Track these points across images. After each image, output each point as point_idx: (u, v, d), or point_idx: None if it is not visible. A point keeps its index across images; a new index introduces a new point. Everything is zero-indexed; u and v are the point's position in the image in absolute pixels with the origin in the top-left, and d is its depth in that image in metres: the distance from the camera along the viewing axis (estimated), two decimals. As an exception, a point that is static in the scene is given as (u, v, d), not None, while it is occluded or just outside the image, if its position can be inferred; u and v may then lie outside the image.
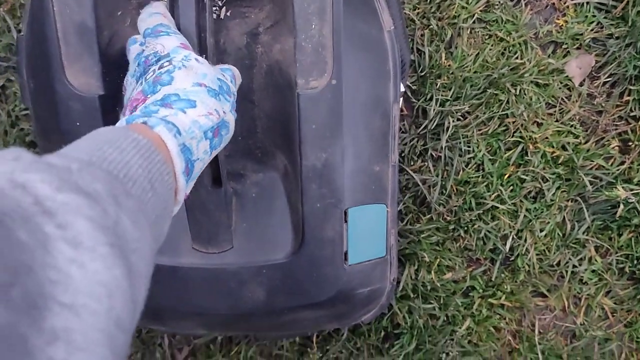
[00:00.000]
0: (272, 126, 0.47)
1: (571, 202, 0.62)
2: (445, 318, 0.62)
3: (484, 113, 0.60)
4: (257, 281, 0.46)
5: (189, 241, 0.47)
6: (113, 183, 0.25)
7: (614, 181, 0.61)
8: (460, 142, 0.60)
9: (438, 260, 0.61)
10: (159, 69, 0.37)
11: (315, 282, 0.47)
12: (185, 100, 0.35)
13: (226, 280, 0.46)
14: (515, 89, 0.59)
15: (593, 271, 0.63)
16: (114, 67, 0.45)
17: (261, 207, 0.47)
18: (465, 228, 0.61)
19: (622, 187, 0.61)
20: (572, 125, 0.61)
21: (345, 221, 0.46)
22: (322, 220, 0.45)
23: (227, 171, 0.45)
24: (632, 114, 0.61)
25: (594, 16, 0.60)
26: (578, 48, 0.61)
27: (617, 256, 0.62)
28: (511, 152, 0.60)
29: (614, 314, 0.63)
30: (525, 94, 0.60)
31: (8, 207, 0.20)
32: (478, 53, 0.60)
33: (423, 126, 0.60)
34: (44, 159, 0.24)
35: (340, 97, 0.42)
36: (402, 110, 0.60)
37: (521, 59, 0.60)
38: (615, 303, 0.63)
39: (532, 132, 0.60)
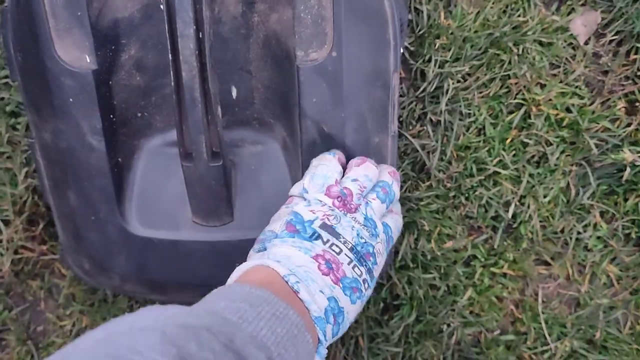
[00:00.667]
0: (270, 97, 0.60)
1: (576, 166, 0.77)
2: (445, 288, 0.77)
3: (485, 74, 0.74)
4: (259, 252, 0.60)
5: (189, 215, 0.60)
6: None
7: (620, 144, 0.76)
8: (460, 106, 0.74)
9: (438, 228, 0.76)
10: (363, 282, 0.51)
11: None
12: (338, 329, 0.49)
13: (227, 253, 0.60)
14: (518, 49, 0.73)
15: (598, 237, 0.78)
16: (105, 40, 0.58)
17: (261, 179, 0.61)
18: (466, 195, 0.75)
19: (629, 150, 0.75)
20: (576, 87, 0.75)
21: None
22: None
23: (225, 143, 0.58)
24: (639, 73, 0.75)
25: (601, -31, 0.73)
26: (583, 4, 0.74)
27: (623, 222, 0.78)
28: (513, 115, 0.75)
29: (620, 281, 0.80)
30: (528, 54, 0.74)
31: None
32: (479, 11, 0.73)
33: (421, 89, 0.74)
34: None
35: (340, 70, 0.55)
36: (399, 73, 0.72)
37: (524, 16, 0.73)
38: (620, 270, 0.79)
39: (535, 94, 0.74)
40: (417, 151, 0.75)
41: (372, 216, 0.54)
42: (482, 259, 0.78)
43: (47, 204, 0.76)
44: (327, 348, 0.47)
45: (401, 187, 0.76)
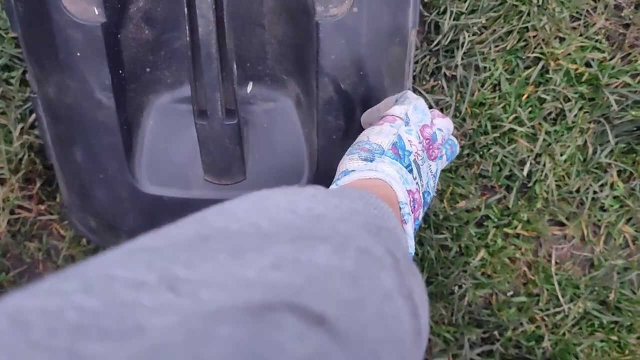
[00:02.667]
0: (284, 53, 0.66)
1: (594, 123, 0.83)
2: (458, 249, 0.84)
3: (502, 27, 0.79)
4: (273, 211, 0.67)
5: (201, 173, 0.67)
6: None
7: (641, 100, 0.82)
8: (476, 60, 0.80)
9: (451, 188, 0.82)
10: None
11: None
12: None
13: (241, 211, 0.66)
14: None
15: (615, 197, 0.86)
16: (113, -10, 0.62)
17: (274, 137, 0.67)
18: (481, 153, 0.82)
19: (649, 106, 0.82)
20: (597, 40, 0.81)
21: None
22: (338, 152, 0.65)
23: (238, 101, 0.63)
24: (661, 26, 0.81)
25: None
26: (606, -46, 0.79)
27: (641, 180, 0.85)
28: (531, 70, 0.81)
29: (635, 242, 0.87)
30: (548, 5, 0.79)
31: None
32: (497, -39, 0.78)
33: (436, 42, 0.80)
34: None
35: (360, 26, 0.61)
36: (416, 29, 0.78)
37: (544, -34, 0.78)
38: (636, 230, 0.87)
39: (554, 47, 0.80)
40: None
41: (437, 171, 0.61)
42: (496, 219, 0.85)
43: (45, 162, 0.82)
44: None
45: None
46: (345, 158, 0.56)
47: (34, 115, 0.79)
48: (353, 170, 0.54)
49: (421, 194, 0.57)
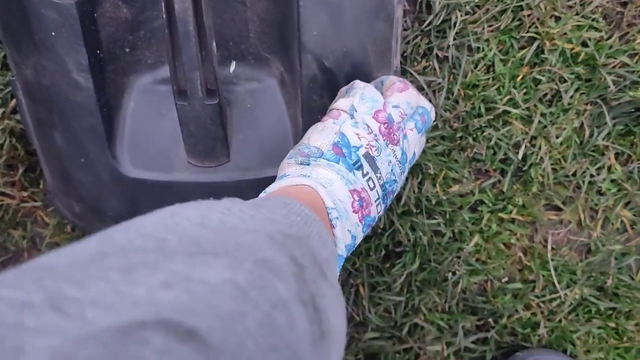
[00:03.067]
0: (267, 30, 0.63)
1: (591, 105, 0.81)
2: (451, 234, 0.82)
3: (496, 6, 0.77)
4: (256, 195, 0.64)
5: (184, 155, 0.64)
6: None
7: (639, 80, 0.79)
8: (468, 40, 0.77)
9: (444, 172, 0.80)
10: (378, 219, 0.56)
11: (317, 194, 0.65)
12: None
13: (224, 194, 0.63)
14: (531, -22, 0.76)
15: (612, 181, 0.83)
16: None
17: (258, 117, 0.64)
18: (474, 136, 0.79)
19: (647, 87, 0.79)
20: (594, 19, 0.78)
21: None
22: (324, 131, 0.62)
23: (219, 80, 0.61)
24: (660, 4, 0.78)
25: None
26: None
27: (639, 164, 0.82)
28: (525, 50, 0.78)
29: (633, 227, 0.85)
30: (542, -17, 0.76)
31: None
32: (490, -64, 0.75)
33: (427, 22, 0.77)
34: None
35: (344, 1, 0.58)
36: (403, 5, 0.75)
37: (538, -58, 0.75)
38: (634, 215, 0.84)
39: (550, 27, 0.77)
40: (422, 89, 0.79)
41: (406, 149, 0.58)
42: (490, 204, 0.83)
43: (27, 148, 0.80)
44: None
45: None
46: (284, 161, 0.55)
47: (14, 100, 0.77)
48: (287, 176, 0.53)
49: (378, 187, 0.55)
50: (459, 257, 0.84)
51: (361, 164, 0.53)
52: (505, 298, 0.85)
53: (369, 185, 0.54)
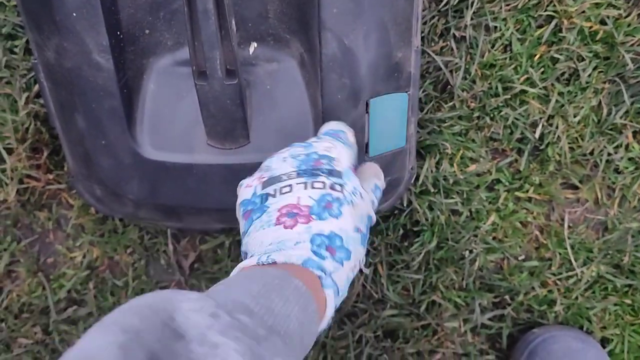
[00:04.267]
0: (286, 10, 0.61)
1: (609, 83, 0.78)
2: (468, 213, 0.80)
3: (514, -16, 0.74)
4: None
5: (204, 137, 0.62)
6: (287, 355, 0.37)
7: (658, 58, 0.77)
8: (486, 19, 0.74)
9: (461, 151, 0.78)
10: (330, 188, 0.48)
11: (337, 174, 0.63)
12: (345, 250, 0.47)
13: (244, 176, 0.62)
14: (550, -45, 0.73)
15: (630, 159, 0.81)
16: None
17: (277, 99, 0.62)
18: (491, 115, 0.77)
19: (666, 65, 0.76)
20: (612, -4, 0.75)
21: (367, 112, 0.62)
22: (343, 112, 0.61)
23: (239, 61, 0.59)
24: (679, -20, 0.75)
25: None
26: None
27: (657, 142, 0.80)
28: (543, 29, 0.75)
29: (650, 204, 0.82)
30: (561, -39, 0.73)
31: None
32: None
33: (444, 2, 0.74)
34: (237, 317, 0.36)
35: (363, -22, 0.55)
36: (421, -15, 0.72)
37: None
38: (652, 192, 0.81)
39: (567, 5, 0.74)
40: (440, 69, 0.76)
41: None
42: (507, 183, 0.81)
43: (51, 131, 0.79)
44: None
45: (422, 108, 0.77)
46: None
47: (38, 84, 0.75)
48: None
49: (295, 177, 0.50)
50: (476, 236, 0.82)
51: (266, 194, 0.49)
52: (521, 276, 0.83)
53: (284, 192, 0.49)
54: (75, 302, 0.86)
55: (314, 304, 0.42)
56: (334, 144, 0.53)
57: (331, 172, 0.50)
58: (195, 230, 0.82)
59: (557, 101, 0.78)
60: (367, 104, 0.63)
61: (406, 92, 0.65)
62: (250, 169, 0.64)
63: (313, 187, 0.48)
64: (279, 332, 0.38)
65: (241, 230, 0.51)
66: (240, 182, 0.53)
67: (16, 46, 0.76)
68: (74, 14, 0.59)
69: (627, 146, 0.80)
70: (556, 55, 0.77)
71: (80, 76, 0.61)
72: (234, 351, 0.33)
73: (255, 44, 0.64)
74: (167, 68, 0.65)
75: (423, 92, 0.77)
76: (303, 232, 0.46)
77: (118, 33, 0.61)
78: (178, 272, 0.85)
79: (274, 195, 0.49)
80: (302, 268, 0.44)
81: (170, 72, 0.65)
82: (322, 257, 0.45)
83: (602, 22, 0.76)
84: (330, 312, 0.45)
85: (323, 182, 0.49)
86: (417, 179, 0.79)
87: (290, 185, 0.49)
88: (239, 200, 0.52)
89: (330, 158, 0.51)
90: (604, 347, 0.83)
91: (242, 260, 0.47)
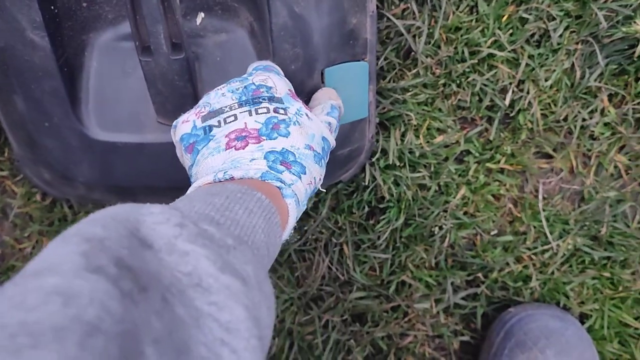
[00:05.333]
0: (233, -21, 0.65)
1: (582, 44, 0.84)
2: (436, 188, 0.86)
3: (478, -58, 0.79)
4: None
5: (154, 115, 0.67)
6: (256, 264, 0.41)
7: (633, 14, 0.82)
8: (449, -20, 0.79)
9: (427, 122, 0.83)
10: (274, 112, 0.56)
11: (293, 150, 0.68)
12: (299, 165, 0.54)
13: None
14: None
15: (606, 124, 0.86)
16: None
17: (229, 71, 0.67)
18: (458, 82, 0.82)
19: (641, 22, 0.82)
20: (581, -48, 0.80)
21: (323, 82, 0.67)
22: (298, 83, 0.66)
23: (185, 33, 0.63)
24: None
25: None
26: None
27: (634, 104, 0.86)
28: (510, -12, 0.80)
29: (628, 172, 0.89)
30: None
31: (167, 279, 0.34)
32: None
33: (405, -38, 0.79)
34: (204, 228, 0.40)
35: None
36: (379, -55, 0.77)
37: None
38: (629, 159, 0.88)
39: (534, -37, 0.79)
40: (402, 35, 0.81)
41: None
42: (477, 154, 0.86)
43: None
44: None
45: (385, 77, 0.82)
46: None
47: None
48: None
49: (237, 107, 0.57)
50: (445, 211, 0.87)
51: (209, 126, 0.56)
52: (495, 251, 0.89)
53: (229, 121, 0.55)
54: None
55: (277, 215, 0.49)
56: (268, 74, 0.60)
57: (272, 98, 0.57)
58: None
59: (527, 65, 0.82)
60: (322, 74, 0.68)
61: (363, 59, 0.71)
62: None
63: (257, 113, 0.56)
64: (247, 242, 0.43)
65: (187, 165, 0.58)
66: (173, 124, 0.59)
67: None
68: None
69: (602, 110, 0.85)
70: (525, 15, 0.82)
71: (14, 56, 0.65)
72: (205, 258, 0.37)
73: (202, 15, 0.69)
74: (109, 43, 0.69)
75: (385, 59, 0.82)
76: (256, 151, 0.53)
77: (52, 8, 0.64)
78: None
79: (218, 126, 0.56)
80: (260, 181, 0.51)
81: (113, 48, 0.69)
82: (279, 171, 0.52)
83: (572, -20, 0.82)
84: (292, 221, 0.52)
85: (267, 107, 0.56)
86: (382, 152, 0.84)
87: (234, 115, 0.56)
88: (177, 138, 0.58)
89: (268, 87, 0.58)
90: (582, 323, 0.89)
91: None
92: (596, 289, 0.90)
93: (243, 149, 0.53)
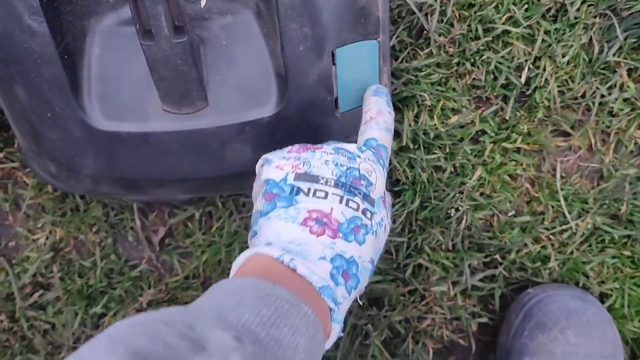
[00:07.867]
0: (237, -44, 0.58)
1: (599, 18, 0.76)
2: (452, 169, 0.79)
3: None
4: (240, 140, 0.61)
5: (159, 103, 0.61)
6: None
7: (652, -14, 0.75)
8: (462, -45, 0.72)
9: (441, 102, 0.76)
10: (362, 213, 0.51)
11: (304, 135, 0.62)
12: (357, 279, 0.50)
13: (205, 142, 0.61)
14: None
15: (625, 100, 0.80)
16: None
17: (235, 54, 0.61)
18: (472, 60, 0.75)
19: (661, -7, 0.75)
20: None
21: (334, 63, 0.61)
22: (307, 65, 0.59)
23: (189, 16, 0.57)
24: None
25: None
26: None
27: (654, 79, 0.78)
28: (525, -39, 0.73)
29: (648, 148, 0.82)
30: None
31: None
32: None
33: (416, -63, 0.72)
34: (249, 349, 0.36)
35: None
36: None
37: None
38: (649, 135, 0.80)
39: None
40: (414, 13, 0.74)
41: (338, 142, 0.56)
42: (493, 134, 0.79)
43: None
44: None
45: (397, 57, 0.76)
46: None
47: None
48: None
49: (333, 189, 0.52)
50: (461, 193, 0.81)
51: (298, 187, 0.51)
52: (512, 232, 0.82)
53: (318, 197, 0.51)
54: (42, 286, 0.85)
55: (321, 333, 0.45)
56: (375, 167, 0.54)
57: (366, 197, 0.52)
58: (162, 202, 0.82)
59: (543, 41, 0.76)
60: (333, 55, 0.61)
61: (375, 39, 0.64)
62: (210, 134, 0.63)
63: (347, 205, 0.51)
64: None
65: (256, 206, 0.53)
66: (266, 157, 0.54)
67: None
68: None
69: (621, 86, 0.79)
70: (540, -9, 0.75)
71: (13, 43, 0.59)
72: None
73: None
74: (111, 28, 0.62)
75: (397, 39, 0.75)
76: (327, 247, 0.48)
77: (51, -8, 0.58)
78: (148, 248, 0.84)
79: (307, 194, 0.51)
80: (316, 293, 0.47)
81: (116, 33, 0.62)
82: (337, 283, 0.48)
83: (589, -49, 0.74)
84: (330, 344, 0.48)
85: (357, 204, 0.51)
86: (395, 134, 0.77)
87: (326, 192, 0.51)
88: (263, 176, 0.53)
89: (369, 182, 0.53)
90: (602, 303, 0.83)
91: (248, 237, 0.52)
92: (616, 268, 0.84)
93: (317, 235, 0.49)
